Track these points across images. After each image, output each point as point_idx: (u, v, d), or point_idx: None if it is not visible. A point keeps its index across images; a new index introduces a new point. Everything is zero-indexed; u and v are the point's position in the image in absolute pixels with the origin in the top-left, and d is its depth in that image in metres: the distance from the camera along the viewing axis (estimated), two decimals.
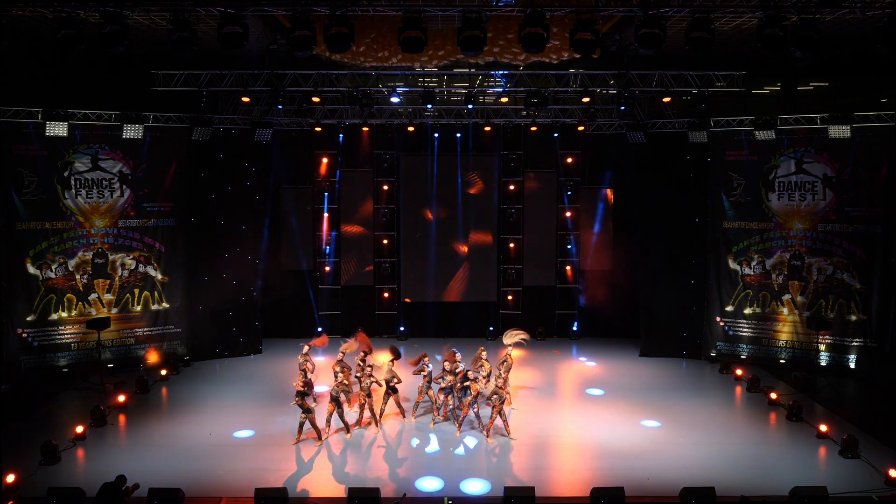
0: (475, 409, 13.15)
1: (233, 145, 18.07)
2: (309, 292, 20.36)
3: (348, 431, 13.03)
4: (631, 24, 12.17)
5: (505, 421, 12.91)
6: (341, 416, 12.97)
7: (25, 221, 16.33)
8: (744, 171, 17.66)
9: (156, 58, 16.05)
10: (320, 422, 12.93)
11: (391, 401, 13.74)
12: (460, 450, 12.53)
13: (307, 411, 12.44)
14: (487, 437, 12.82)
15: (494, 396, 12.80)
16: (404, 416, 13.88)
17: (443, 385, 13.60)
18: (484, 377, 13.58)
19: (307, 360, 14.12)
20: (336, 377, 13.29)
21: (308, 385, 12.54)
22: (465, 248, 20.60)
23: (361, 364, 13.45)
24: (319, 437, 12.69)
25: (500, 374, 13.38)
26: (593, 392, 15.05)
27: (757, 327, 17.87)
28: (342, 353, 14.00)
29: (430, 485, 11.07)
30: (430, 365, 13.83)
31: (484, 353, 14.21)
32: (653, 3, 10.57)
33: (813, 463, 12.02)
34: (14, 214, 16.18)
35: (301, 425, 12.60)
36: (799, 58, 11.03)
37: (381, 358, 14.40)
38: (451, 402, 13.71)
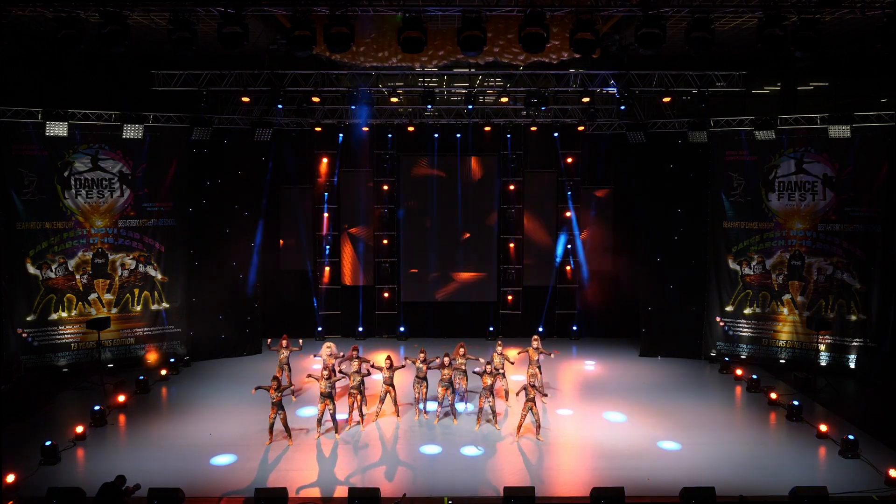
0: (490, 403, 13.17)
1: (233, 145, 18.07)
2: (309, 292, 20.36)
3: (337, 431, 13.00)
4: (631, 24, 12.15)
5: (537, 419, 12.81)
6: (333, 414, 12.96)
7: (25, 221, 16.33)
8: (744, 171, 17.66)
9: (156, 58, 16.05)
10: (304, 423, 12.93)
11: (388, 399, 13.73)
12: (462, 448, 12.54)
13: (280, 408, 12.43)
14: (518, 433, 12.80)
15: (522, 392, 12.80)
16: (398, 416, 13.86)
17: (441, 377, 13.75)
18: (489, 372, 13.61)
19: (284, 355, 14.74)
20: (327, 375, 13.37)
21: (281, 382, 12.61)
22: (465, 249, 20.58)
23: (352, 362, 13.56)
24: (289, 437, 12.62)
25: (531, 371, 13.63)
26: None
27: (757, 327, 17.86)
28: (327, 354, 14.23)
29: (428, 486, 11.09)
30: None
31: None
32: (653, 3, 10.56)
33: (813, 463, 12.02)
34: (14, 214, 16.18)
35: (272, 425, 12.58)
36: (799, 58, 11.01)
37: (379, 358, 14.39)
38: (449, 396, 13.73)
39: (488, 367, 13.13)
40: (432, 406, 14.24)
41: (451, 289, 20.68)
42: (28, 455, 11.66)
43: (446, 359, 13.61)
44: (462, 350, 14.14)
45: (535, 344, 14.69)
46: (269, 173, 19.33)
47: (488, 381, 13.04)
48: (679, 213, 18.26)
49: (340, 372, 13.92)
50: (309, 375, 13.24)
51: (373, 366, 13.75)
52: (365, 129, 19.55)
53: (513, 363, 14.50)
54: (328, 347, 14.45)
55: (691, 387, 16.27)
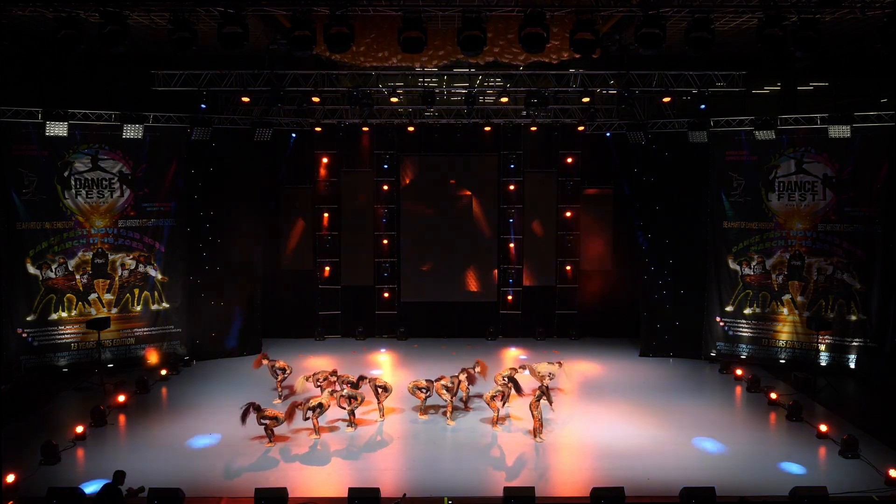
0: (499, 408, 13.30)
1: (233, 145, 18.06)
2: (309, 292, 20.35)
3: (317, 433, 13.03)
4: (631, 24, 12.16)
5: (540, 415, 12.85)
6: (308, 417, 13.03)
7: (25, 221, 16.32)
8: (744, 171, 17.65)
9: (156, 58, 16.05)
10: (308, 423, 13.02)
11: (384, 399, 13.79)
12: (461, 448, 12.54)
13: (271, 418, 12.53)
14: (535, 436, 12.80)
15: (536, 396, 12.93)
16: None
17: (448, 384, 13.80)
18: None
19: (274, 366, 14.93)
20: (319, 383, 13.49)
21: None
22: (464, 249, 20.57)
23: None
24: (270, 440, 12.60)
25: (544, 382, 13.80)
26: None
27: (757, 327, 17.86)
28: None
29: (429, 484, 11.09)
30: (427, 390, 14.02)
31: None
32: (653, 3, 10.57)
33: (813, 463, 12.01)
34: (14, 214, 16.17)
35: (271, 427, 12.62)
36: (799, 58, 11.03)
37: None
38: (445, 397, 13.76)
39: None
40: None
41: (451, 289, 20.65)
42: (28, 455, 11.65)
43: (463, 376, 13.81)
44: (478, 368, 14.25)
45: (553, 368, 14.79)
46: (269, 173, 19.34)
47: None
48: (679, 213, 18.24)
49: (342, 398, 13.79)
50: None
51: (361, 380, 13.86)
52: (365, 129, 19.55)
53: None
54: (308, 380, 14.54)
55: (691, 387, 16.26)
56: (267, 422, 12.47)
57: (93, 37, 10.52)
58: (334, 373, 14.39)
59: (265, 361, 15.16)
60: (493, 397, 13.19)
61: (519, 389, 13.19)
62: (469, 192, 20.49)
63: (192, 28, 10.60)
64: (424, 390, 13.88)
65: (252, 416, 12.45)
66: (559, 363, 14.90)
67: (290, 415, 12.70)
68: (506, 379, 13.63)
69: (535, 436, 12.80)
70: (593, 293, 20.54)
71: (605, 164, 20.12)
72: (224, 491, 10.78)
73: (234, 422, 13.62)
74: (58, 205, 16.64)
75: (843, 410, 14.29)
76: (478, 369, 14.30)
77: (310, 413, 12.76)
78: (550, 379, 14.37)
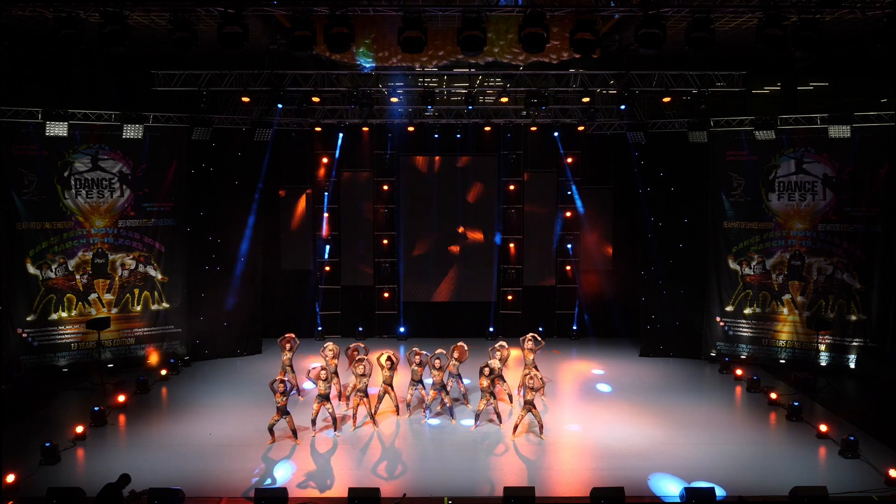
0: (493, 405, 13.20)
1: (233, 145, 18.07)
2: (309, 292, 20.35)
3: (336, 428, 13.03)
4: (631, 24, 12.17)
5: (539, 420, 12.78)
6: (332, 413, 13.01)
7: (25, 221, 16.32)
8: (744, 171, 17.65)
9: (156, 58, 16.05)
10: (305, 421, 12.97)
11: (387, 398, 13.74)
12: (461, 448, 12.54)
13: (285, 412, 12.49)
14: (513, 434, 12.82)
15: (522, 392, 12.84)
16: (398, 414, 13.88)
17: (433, 380, 13.71)
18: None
19: (287, 357, 14.70)
20: (325, 377, 13.43)
21: (288, 385, 12.62)
22: (465, 249, 20.58)
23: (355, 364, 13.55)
24: (295, 437, 12.63)
25: (525, 372, 13.63)
26: (602, 388, 14.49)
27: (757, 327, 17.86)
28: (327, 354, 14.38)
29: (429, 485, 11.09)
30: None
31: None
32: (653, 3, 10.58)
33: (813, 463, 12.02)
34: (14, 214, 16.16)
35: (272, 427, 12.58)
36: (799, 58, 11.04)
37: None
38: (446, 399, 13.73)
39: (486, 369, 13.10)
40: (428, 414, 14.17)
41: (451, 289, 20.66)
42: (28, 455, 11.65)
43: (437, 361, 13.58)
44: (456, 353, 14.13)
45: (528, 344, 14.59)
46: (269, 173, 19.33)
47: (485, 382, 13.03)
48: (679, 213, 18.24)
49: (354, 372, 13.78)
50: (309, 373, 13.29)
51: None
52: (365, 129, 19.55)
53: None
54: (331, 350, 14.46)
55: (691, 387, 16.26)
56: (280, 392, 12.38)
57: (93, 37, 10.52)
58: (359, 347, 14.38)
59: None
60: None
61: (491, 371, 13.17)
62: (469, 192, 20.47)
63: (192, 28, 10.61)
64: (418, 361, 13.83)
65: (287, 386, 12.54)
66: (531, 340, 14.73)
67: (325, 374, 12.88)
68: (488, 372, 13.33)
69: (540, 433, 12.76)
70: (593, 293, 20.53)
71: (605, 164, 20.12)
72: (224, 491, 10.77)
73: (234, 422, 13.66)
74: (58, 205, 16.64)
75: (843, 410, 14.29)
76: (455, 354, 14.12)
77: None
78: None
